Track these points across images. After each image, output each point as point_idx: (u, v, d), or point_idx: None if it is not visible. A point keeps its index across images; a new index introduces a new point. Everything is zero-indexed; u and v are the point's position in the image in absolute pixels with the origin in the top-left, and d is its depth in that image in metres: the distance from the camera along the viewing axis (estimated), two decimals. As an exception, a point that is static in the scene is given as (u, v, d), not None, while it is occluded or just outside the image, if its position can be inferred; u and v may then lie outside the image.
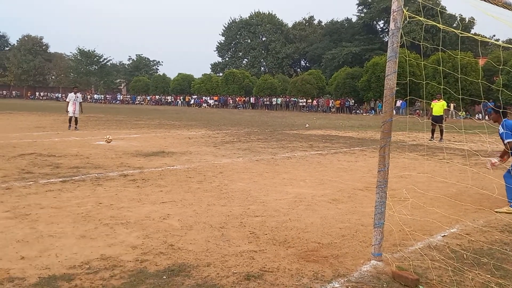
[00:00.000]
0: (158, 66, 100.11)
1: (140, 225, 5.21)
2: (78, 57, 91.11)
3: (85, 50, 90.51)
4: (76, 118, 18.41)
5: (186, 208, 6.06)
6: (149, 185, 7.52)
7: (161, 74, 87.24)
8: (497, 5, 4.59)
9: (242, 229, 5.17)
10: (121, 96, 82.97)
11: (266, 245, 4.64)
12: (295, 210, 6.14)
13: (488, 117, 39.45)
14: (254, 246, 4.59)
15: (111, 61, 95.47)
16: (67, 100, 18.79)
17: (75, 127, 18.23)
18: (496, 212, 6.12)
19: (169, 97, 73.90)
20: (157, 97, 75.54)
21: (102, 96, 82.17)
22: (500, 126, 6.30)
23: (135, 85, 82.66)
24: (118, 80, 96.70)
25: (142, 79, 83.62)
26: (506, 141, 6.19)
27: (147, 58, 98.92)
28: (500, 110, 6.43)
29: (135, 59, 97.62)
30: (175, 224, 5.29)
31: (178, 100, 71.31)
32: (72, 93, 18.83)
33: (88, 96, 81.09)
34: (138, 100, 76.04)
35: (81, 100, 19.12)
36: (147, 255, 4.26)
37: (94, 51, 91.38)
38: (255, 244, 4.67)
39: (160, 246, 4.53)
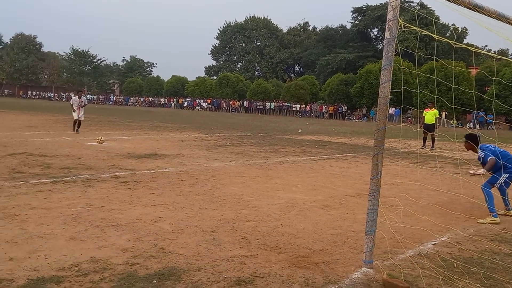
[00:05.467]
0: (152, 68, 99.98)
1: (131, 228, 5.17)
2: (72, 57, 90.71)
3: (79, 50, 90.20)
4: (80, 121, 17.41)
5: (177, 211, 6.04)
6: (141, 187, 7.48)
7: (155, 76, 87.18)
8: (490, 16, 4.64)
9: (234, 234, 5.15)
10: (114, 97, 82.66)
11: (257, 250, 4.63)
12: (286, 215, 6.14)
13: (480, 127, 39.86)
14: (245, 251, 4.58)
15: (104, 62, 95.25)
16: (71, 102, 17.94)
17: (77, 130, 17.22)
18: (479, 223, 6.15)
19: (162, 99, 73.70)
20: (150, 99, 75.30)
21: (95, 96, 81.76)
22: (479, 150, 6.54)
23: (129, 86, 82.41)
24: (112, 81, 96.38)
25: (135, 80, 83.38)
26: (489, 159, 6.36)
27: (141, 59, 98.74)
28: (467, 140, 6.71)
29: (129, 60, 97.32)
30: (166, 228, 5.26)
31: (171, 102, 71.17)
32: (76, 97, 17.90)
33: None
34: (131, 102, 75.73)
35: (86, 104, 18.35)
36: (138, 258, 4.23)
37: (88, 51, 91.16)
38: (246, 249, 4.66)
39: (151, 249, 4.50)
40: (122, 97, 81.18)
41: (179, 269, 4.01)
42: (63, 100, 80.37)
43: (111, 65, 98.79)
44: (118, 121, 26.96)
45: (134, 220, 5.51)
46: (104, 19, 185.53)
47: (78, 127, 17.37)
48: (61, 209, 5.80)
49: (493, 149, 6.61)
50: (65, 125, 20.95)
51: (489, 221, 6.16)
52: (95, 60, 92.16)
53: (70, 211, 5.72)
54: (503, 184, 6.46)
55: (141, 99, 75.99)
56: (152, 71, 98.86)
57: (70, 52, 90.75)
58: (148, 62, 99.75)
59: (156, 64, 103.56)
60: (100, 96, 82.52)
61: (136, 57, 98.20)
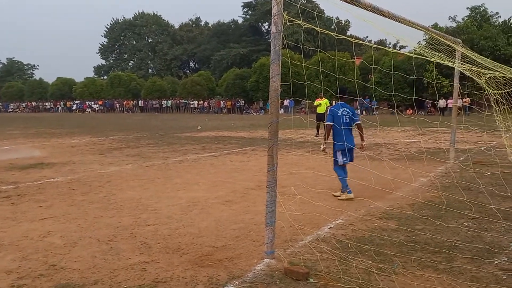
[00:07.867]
0: (33, 70, 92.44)
1: (16, 247, 4.70)
2: None
3: None
4: None
5: (69, 223, 5.61)
6: (26, 201, 6.84)
7: (38, 78, 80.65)
8: (366, 9, 4.97)
9: (133, 240, 4.93)
10: (-9, 104, 74.92)
11: (158, 255, 4.47)
12: (188, 215, 6.03)
13: (366, 113, 43.07)
14: (145, 257, 4.40)
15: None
16: None
17: None
18: (335, 196, 6.86)
19: (47, 103, 68.56)
20: (34, 103, 69.59)
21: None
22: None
23: (7, 91, 75.27)
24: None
25: (15, 84, 76.39)
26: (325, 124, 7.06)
27: (20, 61, 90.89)
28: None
29: (5, 63, 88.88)
30: (57, 242, 4.86)
31: (58, 106, 66.62)
32: None
33: None
34: (12, 108, 69.38)
35: None
36: (25, 279, 3.85)
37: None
38: (146, 254, 4.48)
39: (40, 267, 4.12)
40: (0, 104, 73.82)
41: (73, 285, 3.72)
42: None
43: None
44: (-3, 129, 24.43)
45: (19, 237, 5.01)
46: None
47: None
48: None
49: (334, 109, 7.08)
50: None
51: (344, 197, 6.81)
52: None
53: None
54: (341, 158, 6.88)
55: (23, 104, 69.93)
56: (33, 73, 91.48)
57: None
58: (28, 64, 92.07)
59: (38, 66, 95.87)
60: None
61: (14, 59, 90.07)
